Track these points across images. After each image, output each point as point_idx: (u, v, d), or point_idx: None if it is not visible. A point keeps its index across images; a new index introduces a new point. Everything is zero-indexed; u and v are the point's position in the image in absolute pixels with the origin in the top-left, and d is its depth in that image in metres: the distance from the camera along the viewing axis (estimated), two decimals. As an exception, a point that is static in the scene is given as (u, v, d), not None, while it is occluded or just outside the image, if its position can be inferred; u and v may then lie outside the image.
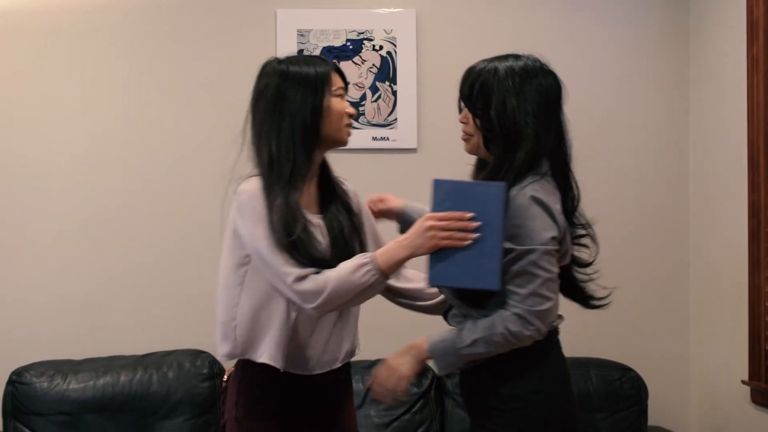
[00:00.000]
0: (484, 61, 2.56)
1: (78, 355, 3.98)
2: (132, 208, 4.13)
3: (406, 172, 4.13)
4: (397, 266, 2.46)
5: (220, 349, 2.68)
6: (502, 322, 2.38)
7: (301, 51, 4.17)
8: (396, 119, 4.20)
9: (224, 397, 2.72)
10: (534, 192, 2.42)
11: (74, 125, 4.12)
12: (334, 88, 2.63)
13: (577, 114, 4.26)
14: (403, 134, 4.24)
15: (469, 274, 2.40)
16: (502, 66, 2.52)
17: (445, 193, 2.41)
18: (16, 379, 3.80)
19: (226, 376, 2.76)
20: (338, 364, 2.67)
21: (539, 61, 2.59)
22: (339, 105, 2.63)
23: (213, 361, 3.91)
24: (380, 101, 4.23)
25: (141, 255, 4.13)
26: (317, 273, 2.46)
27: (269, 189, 2.55)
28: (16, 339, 4.05)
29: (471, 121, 2.53)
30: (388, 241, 2.59)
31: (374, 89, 4.23)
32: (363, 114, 4.22)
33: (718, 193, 4.12)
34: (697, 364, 4.31)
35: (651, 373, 4.15)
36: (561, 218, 2.51)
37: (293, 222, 2.49)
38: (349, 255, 2.55)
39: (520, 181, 2.43)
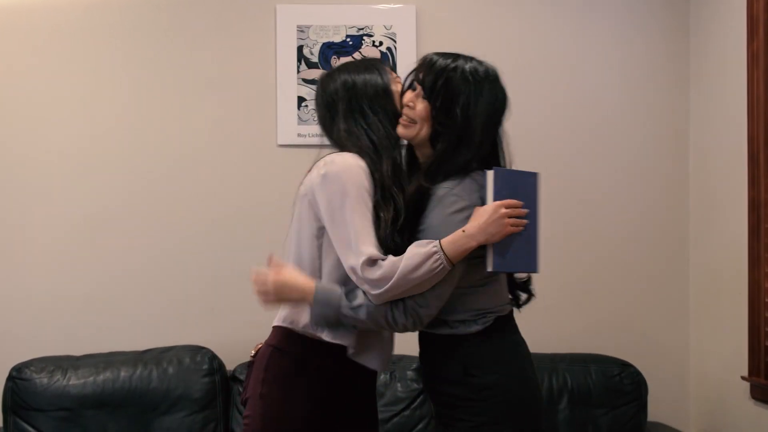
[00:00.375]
0: (445, 56, 2.61)
1: (78, 351, 3.98)
2: (131, 206, 4.13)
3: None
4: (462, 256, 2.48)
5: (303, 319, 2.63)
6: (392, 307, 2.48)
7: (300, 48, 4.17)
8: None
9: (249, 372, 2.71)
10: (453, 189, 2.50)
11: (73, 124, 4.12)
12: (392, 76, 2.74)
13: (578, 109, 4.31)
14: (403, 130, 4.23)
15: (521, 260, 2.54)
16: (467, 66, 2.58)
17: (503, 182, 2.49)
18: (16, 375, 3.80)
19: (254, 351, 2.74)
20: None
21: (497, 71, 2.64)
22: (396, 87, 2.72)
23: (213, 357, 3.91)
24: (380, 97, 4.22)
25: (141, 252, 4.13)
26: (384, 259, 2.47)
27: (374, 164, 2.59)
28: (16, 335, 4.05)
29: (423, 110, 2.58)
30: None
31: (374, 85, 4.22)
32: (363, 110, 4.21)
33: (718, 189, 4.11)
34: (696, 360, 4.31)
35: (651, 368, 4.15)
36: None
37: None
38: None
39: (444, 179, 2.53)
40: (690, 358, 4.34)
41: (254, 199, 4.17)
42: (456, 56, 2.61)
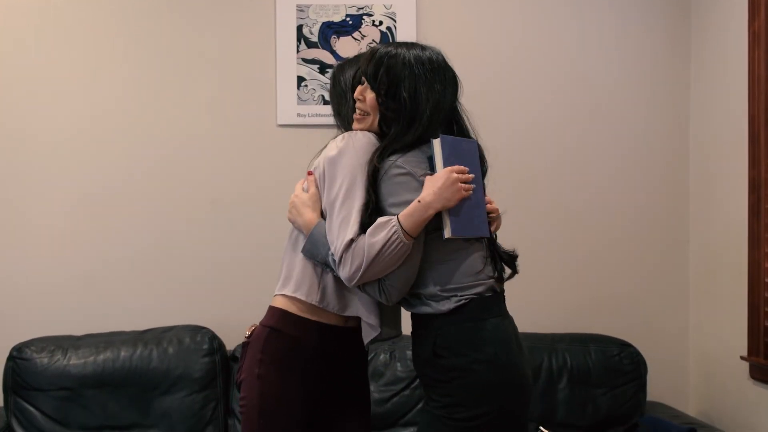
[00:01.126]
0: (387, 45, 2.67)
1: (78, 330, 3.99)
2: (132, 185, 4.13)
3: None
4: (422, 226, 2.49)
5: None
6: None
7: (300, 27, 4.16)
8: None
9: (244, 352, 2.71)
10: (397, 161, 2.53)
11: (73, 104, 4.11)
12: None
13: (578, 91, 4.30)
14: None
15: (473, 224, 2.56)
16: (410, 54, 2.62)
17: (450, 149, 2.52)
18: (17, 354, 3.80)
19: (248, 332, 2.74)
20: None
21: (442, 54, 2.68)
22: None
23: (213, 337, 3.92)
24: (380, 77, 4.21)
25: (141, 232, 4.14)
26: (365, 238, 2.49)
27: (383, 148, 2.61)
28: (17, 315, 4.06)
29: (371, 100, 2.64)
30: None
31: (374, 65, 4.21)
32: (362, 89, 4.20)
33: (718, 169, 4.11)
34: (696, 340, 4.32)
35: (650, 348, 4.16)
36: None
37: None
38: None
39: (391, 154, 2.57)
40: (689, 338, 4.35)
41: (254, 179, 4.17)
42: (397, 44, 2.66)
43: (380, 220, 2.49)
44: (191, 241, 4.15)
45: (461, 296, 2.54)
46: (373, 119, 2.66)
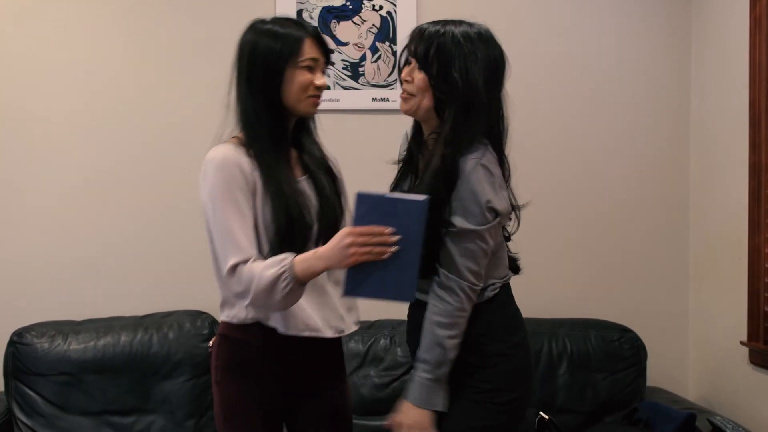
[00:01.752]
0: (434, 23, 2.59)
1: (78, 316, 3.99)
2: (132, 169, 4.12)
3: (406, 133, 4.12)
4: (313, 276, 2.43)
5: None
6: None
7: (300, 12, 4.15)
8: (396, 80, 4.18)
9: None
10: (482, 160, 2.50)
11: (72, 85, 4.10)
12: (301, 59, 2.59)
13: (576, 73, 4.28)
14: (402, 95, 4.22)
15: (385, 287, 2.40)
16: (458, 30, 2.55)
17: (368, 207, 2.35)
18: (17, 339, 3.81)
19: (210, 342, 2.76)
20: (321, 334, 2.62)
21: (490, 30, 2.61)
22: (302, 77, 2.59)
23: (213, 322, 3.92)
24: (380, 62, 4.21)
25: (141, 216, 4.13)
26: (246, 262, 2.46)
27: (266, 165, 2.56)
28: (17, 300, 4.06)
29: (420, 81, 2.56)
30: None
31: (374, 50, 4.21)
32: (363, 75, 4.20)
33: (718, 154, 4.10)
34: (696, 325, 4.32)
35: (650, 333, 4.17)
36: (504, 191, 2.61)
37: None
38: (335, 217, 2.62)
39: (467, 149, 2.50)
40: (689, 324, 4.36)
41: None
42: (445, 22, 2.59)
43: (276, 257, 2.44)
44: (191, 225, 4.12)
45: (496, 285, 2.60)
46: (420, 101, 2.58)
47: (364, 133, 4.13)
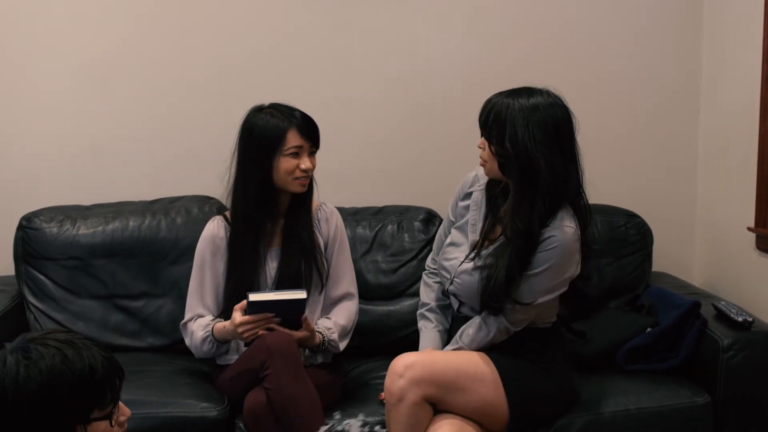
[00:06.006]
0: (500, 95, 2.95)
1: (86, 200, 4.00)
2: (140, 52, 4.07)
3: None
4: (227, 341, 3.31)
5: None
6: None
7: None
8: None
9: None
10: (576, 233, 2.96)
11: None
12: (285, 148, 3.18)
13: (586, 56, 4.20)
14: None
15: None
16: (515, 102, 2.89)
17: (255, 309, 3.10)
18: (26, 224, 3.82)
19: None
20: None
21: (552, 94, 2.95)
22: (287, 164, 3.19)
23: (221, 207, 3.92)
24: None
25: (150, 100, 4.10)
26: (194, 320, 3.36)
27: (234, 234, 3.36)
28: (25, 185, 4.07)
29: (487, 147, 2.95)
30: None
31: None
32: None
33: (731, 38, 4.03)
34: (703, 210, 4.32)
35: (657, 219, 4.16)
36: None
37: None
38: (297, 283, 3.30)
39: (552, 212, 2.93)
40: (696, 209, 4.35)
41: (263, 46, 4.11)
42: (509, 92, 2.94)
43: (205, 322, 3.30)
44: (200, 110, 4.11)
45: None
46: (491, 167, 2.97)
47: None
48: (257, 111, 3.28)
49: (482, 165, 3.02)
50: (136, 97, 4.09)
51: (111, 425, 1.99)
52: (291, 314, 3.14)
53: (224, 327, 3.21)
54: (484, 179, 3.16)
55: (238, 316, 3.13)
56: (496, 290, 2.95)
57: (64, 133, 4.07)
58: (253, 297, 3.08)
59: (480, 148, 2.98)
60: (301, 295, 3.10)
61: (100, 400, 1.97)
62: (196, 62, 4.10)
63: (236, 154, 3.30)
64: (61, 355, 1.90)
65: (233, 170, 3.31)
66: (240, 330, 3.11)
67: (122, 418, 2.03)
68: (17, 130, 4.06)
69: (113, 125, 4.09)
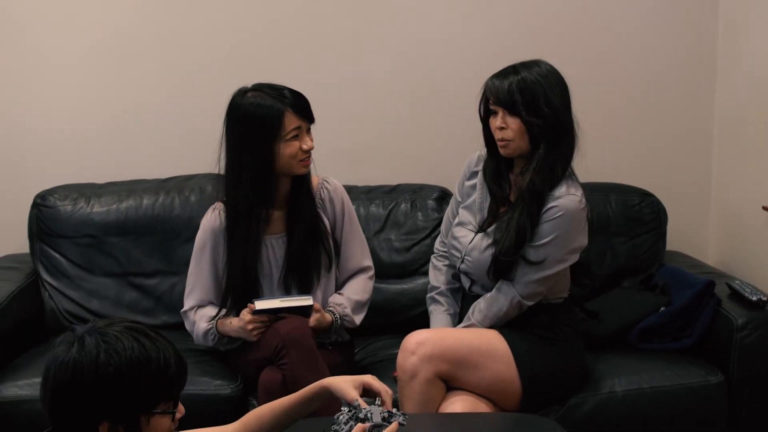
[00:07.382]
0: (503, 73, 3.02)
1: (100, 178, 4.00)
2: (152, 30, 4.06)
3: None
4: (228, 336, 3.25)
5: None
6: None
7: None
8: None
9: None
10: (582, 201, 3.05)
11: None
12: (285, 133, 3.03)
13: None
14: None
15: None
16: (530, 73, 2.99)
17: (262, 314, 3.12)
18: (40, 202, 3.83)
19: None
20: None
21: (547, 63, 3.07)
22: (289, 149, 3.05)
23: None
24: None
25: (163, 78, 4.09)
26: (194, 309, 3.30)
27: (231, 225, 3.23)
28: (38, 162, 4.07)
29: (513, 124, 2.96)
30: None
31: None
32: None
33: (747, 12, 4.00)
34: (718, 189, 4.30)
35: (671, 198, 4.13)
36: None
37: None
38: (306, 268, 3.24)
39: (558, 179, 3.02)
40: (711, 188, 4.33)
41: (272, 24, 4.09)
42: (514, 68, 3.01)
43: (211, 314, 3.25)
44: (213, 87, 4.07)
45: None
46: (518, 144, 3.00)
47: None
48: (242, 94, 3.13)
49: (504, 146, 3.02)
50: (151, 74, 4.08)
51: (173, 420, 1.98)
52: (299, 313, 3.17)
53: (230, 323, 3.20)
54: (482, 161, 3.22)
55: (246, 313, 3.13)
56: (508, 249, 3.00)
57: (78, 111, 4.08)
58: (259, 305, 3.09)
59: (501, 127, 3.00)
60: (307, 301, 3.11)
61: (168, 393, 1.96)
62: (212, 39, 4.09)
63: (224, 142, 3.14)
64: (139, 344, 1.89)
65: (223, 158, 3.16)
66: (249, 328, 3.12)
67: (179, 415, 2.02)
68: (31, 109, 4.06)
69: (127, 104, 4.09)
